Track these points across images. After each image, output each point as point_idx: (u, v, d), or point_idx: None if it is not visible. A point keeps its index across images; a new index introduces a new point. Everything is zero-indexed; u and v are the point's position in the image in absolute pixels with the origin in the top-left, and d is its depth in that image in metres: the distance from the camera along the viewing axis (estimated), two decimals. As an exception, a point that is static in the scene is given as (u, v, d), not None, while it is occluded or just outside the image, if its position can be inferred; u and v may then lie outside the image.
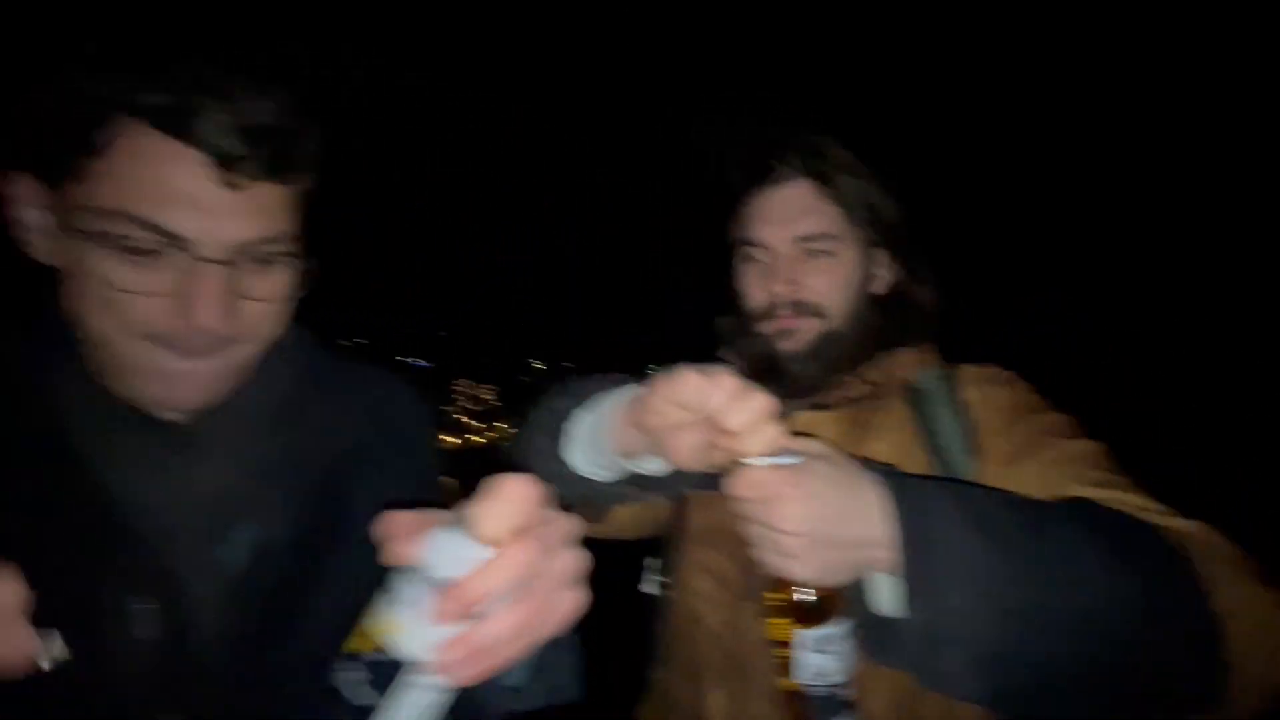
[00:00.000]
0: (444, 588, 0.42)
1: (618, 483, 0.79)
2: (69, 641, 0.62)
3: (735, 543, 1.08)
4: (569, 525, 0.49)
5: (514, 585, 0.44)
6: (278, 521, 0.74)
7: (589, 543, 0.56)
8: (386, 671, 0.43)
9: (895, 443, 1.06)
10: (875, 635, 0.70)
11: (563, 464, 0.81)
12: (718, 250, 1.27)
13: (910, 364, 1.12)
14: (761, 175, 1.14)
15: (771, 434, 0.62)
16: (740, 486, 0.66)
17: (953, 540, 0.64)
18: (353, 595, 0.71)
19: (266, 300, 0.69)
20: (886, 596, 0.69)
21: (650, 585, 1.21)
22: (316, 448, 0.79)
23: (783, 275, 1.09)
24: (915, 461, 1.04)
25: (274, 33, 0.68)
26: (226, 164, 0.62)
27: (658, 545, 1.26)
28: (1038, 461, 0.94)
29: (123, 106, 0.61)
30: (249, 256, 0.66)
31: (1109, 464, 0.92)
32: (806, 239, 1.09)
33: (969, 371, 1.11)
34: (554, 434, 0.81)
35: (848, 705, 0.74)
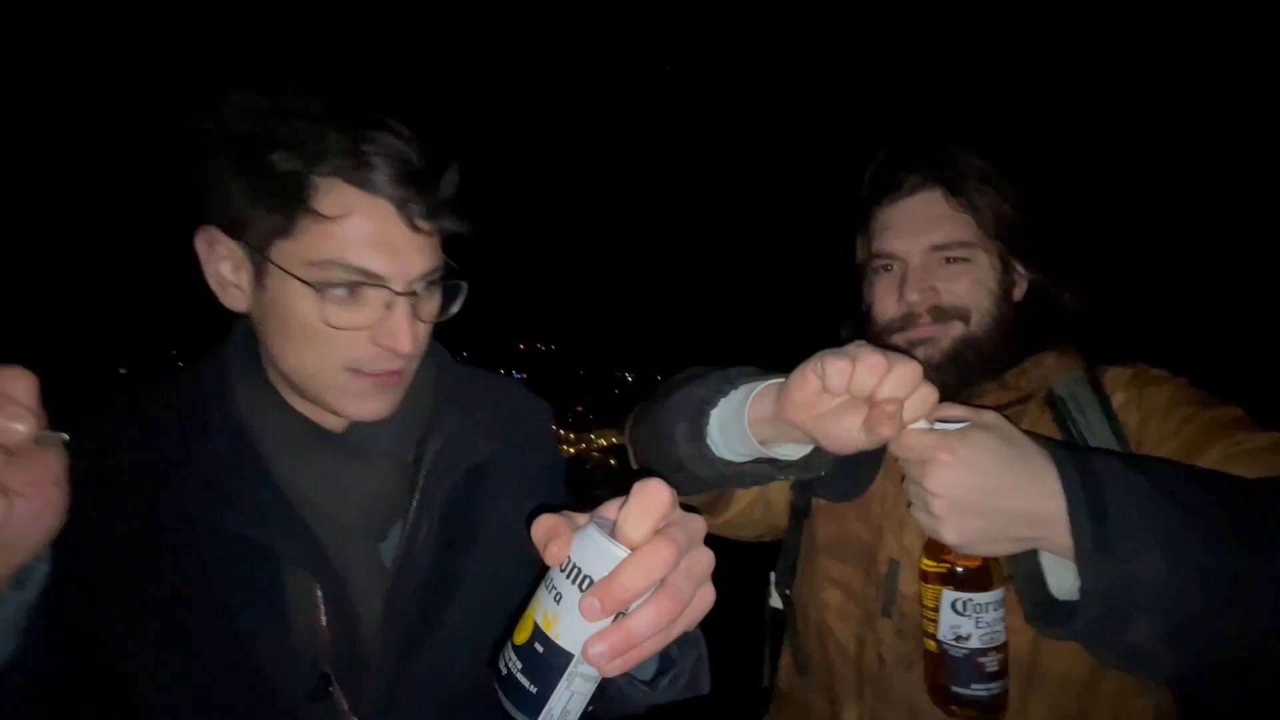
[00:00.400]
0: (594, 585, 0.46)
1: (758, 462, 0.80)
2: (253, 625, 0.73)
3: (864, 555, 1.11)
4: (699, 524, 0.51)
5: (655, 583, 0.47)
6: (423, 522, 0.83)
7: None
8: (541, 662, 0.48)
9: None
10: (1051, 612, 0.67)
11: (704, 447, 0.82)
12: (829, 267, 1.26)
13: (1052, 368, 1.08)
14: (891, 187, 1.12)
15: (927, 396, 0.62)
16: (899, 448, 0.66)
17: (1130, 506, 0.61)
18: (486, 594, 0.88)
19: (430, 321, 0.80)
20: (1062, 576, 0.67)
21: (774, 598, 1.21)
22: (455, 454, 0.87)
23: (916, 284, 1.06)
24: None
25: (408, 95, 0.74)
26: (405, 208, 0.73)
27: (776, 557, 1.26)
28: (1214, 456, 0.86)
29: (324, 170, 0.71)
30: (423, 286, 0.77)
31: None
32: (940, 248, 1.07)
33: (1114, 374, 1.06)
34: (694, 418, 0.83)
35: (990, 673, 0.75)
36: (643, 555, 0.46)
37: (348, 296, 0.73)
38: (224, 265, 0.77)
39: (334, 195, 0.71)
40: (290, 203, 0.71)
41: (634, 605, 0.47)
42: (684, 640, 0.67)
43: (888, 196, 1.13)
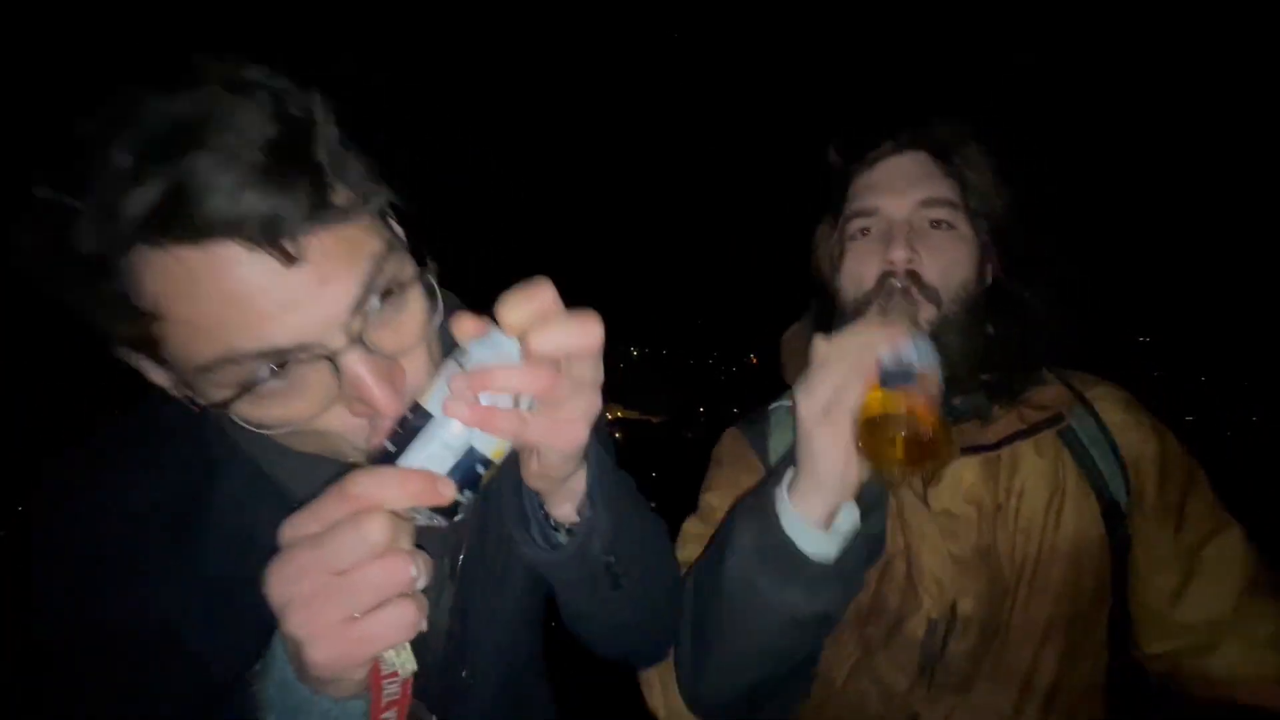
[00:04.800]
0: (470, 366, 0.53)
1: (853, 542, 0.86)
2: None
3: (890, 616, 1.07)
4: (594, 332, 0.55)
5: (515, 360, 0.54)
6: (489, 524, 0.82)
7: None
8: (405, 426, 0.54)
9: (1050, 481, 1.06)
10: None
11: (805, 565, 0.82)
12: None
13: (1055, 398, 1.09)
14: (871, 147, 1.08)
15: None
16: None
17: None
18: (530, 574, 0.86)
19: (413, 338, 0.61)
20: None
21: None
22: None
23: (903, 240, 1.00)
24: (1074, 498, 1.05)
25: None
26: (268, 238, 0.50)
27: None
28: (1186, 544, 1.06)
29: (130, 246, 0.50)
30: (368, 316, 0.56)
31: (1251, 557, 1.06)
32: (930, 203, 1.03)
33: (1102, 397, 1.12)
34: (772, 556, 0.83)
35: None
36: (521, 354, 0.54)
37: (278, 384, 0.55)
38: (158, 376, 0.61)
39: (158, 269, 0.51)
40: (117, 311, 0.52)
41: (501, 385, 0.53)
42: (612, 506, 0.71)
43: (869, 156, 1.07)
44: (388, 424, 0.55)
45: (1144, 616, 1.08)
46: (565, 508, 0.69)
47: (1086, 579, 1.05)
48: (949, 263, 1.02)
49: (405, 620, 0.49)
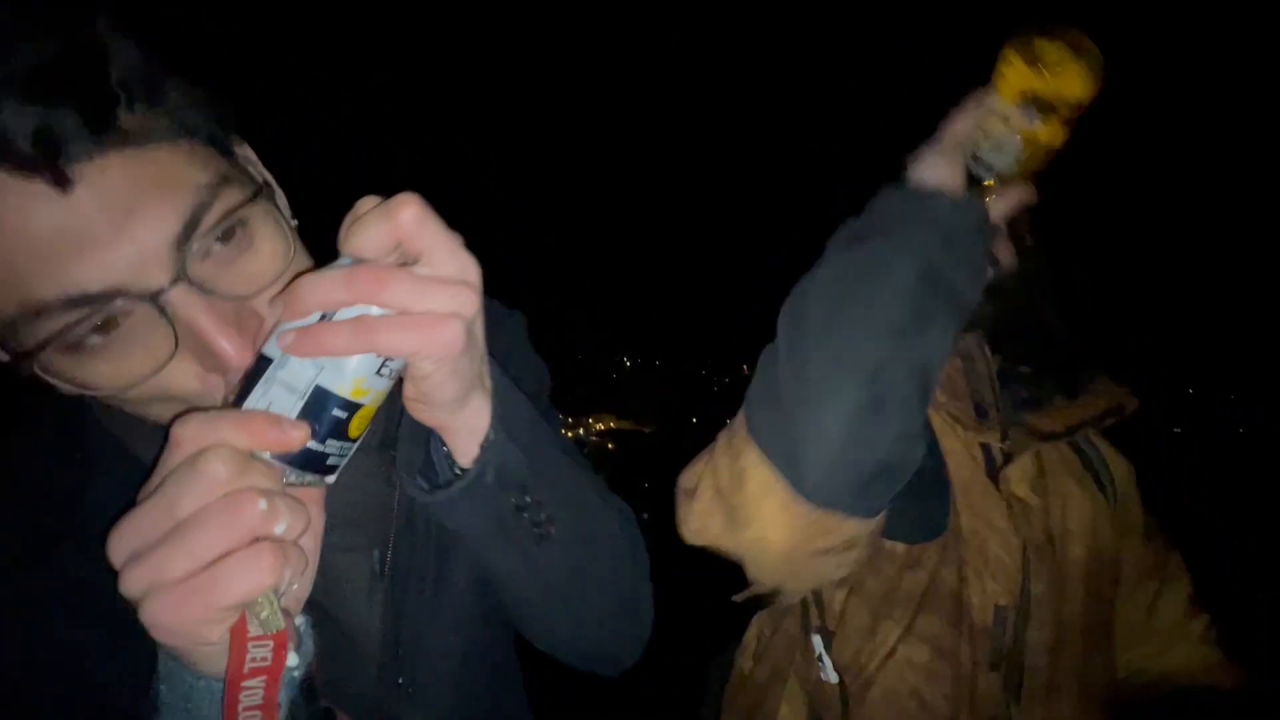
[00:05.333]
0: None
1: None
2: None
3: (952, 603, 1.03)
4: (457, 262, 0.48)
5: (347, 288, 0.44)
6: (415, 524, 0.74)
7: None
8: (247, 373, 0.46)
9: (1089, 493, 1.11)
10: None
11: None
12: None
13: (1113, 392, 1.15)
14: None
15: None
16: None
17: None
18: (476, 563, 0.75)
19: (265, 278, 0.54)
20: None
21: (828, 671, 1.03)
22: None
23: None
24: (1087, 501, 1.10)
25: None
26: (38, 158, 0.43)
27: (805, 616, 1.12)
28: (1155, 550, 1.16)
29: None
30: (202, 255, 0.50)
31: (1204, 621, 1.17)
32: None
33: (1110, 453, 1.18)
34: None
35: None
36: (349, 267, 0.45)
37: (99, 338, 0.48)
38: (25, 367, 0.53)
39: None
40: None
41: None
42: (506, 449, 0.59)
43: None
44: (238, 376, 0.48)
45: (1121, 627, 1.14)
46: (469, 447, 0.58)
47: (1110, 589, 1.11)
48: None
49: (259, 566, 0.41)
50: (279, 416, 0.44)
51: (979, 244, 0.78)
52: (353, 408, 0.47)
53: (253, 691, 0.44)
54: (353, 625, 0.67)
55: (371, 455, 0.68)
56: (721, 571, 1.06)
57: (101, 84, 0.46)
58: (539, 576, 0.68)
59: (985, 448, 1.06)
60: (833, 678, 1.02)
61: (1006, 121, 0.76)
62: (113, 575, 0.44)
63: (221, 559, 0.40)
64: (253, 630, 0.43)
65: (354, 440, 0.49)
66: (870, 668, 1.01)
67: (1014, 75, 0.75)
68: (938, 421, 1.07)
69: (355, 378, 0.46)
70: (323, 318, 0.45)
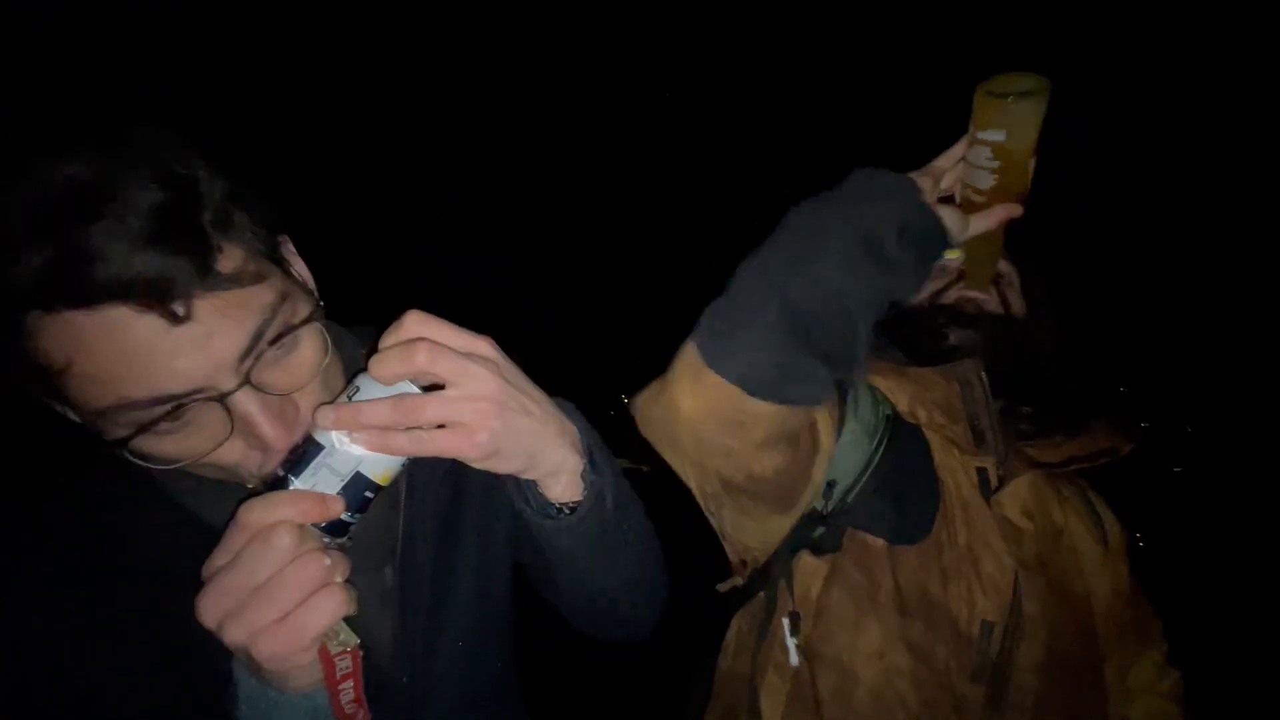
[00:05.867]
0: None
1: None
2: None
3: (936, 610, 1.04)
4: (478, 378, 0.59)
5: (384, 407, 0.58)
6: (416, 541, 0.82)
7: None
8: (298, 452, 0.59)
9: (1083, 519, 1.17)
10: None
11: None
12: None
13: (1114, 436, 1.20)
14: None
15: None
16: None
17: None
18: (480, 588, 0.90)
19: (305, 377, 0.64)
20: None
21: (793, 655, 1.07)
22: (429, 461, 0.80)
23: None
24: (1095, 546, 1.16)
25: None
26: (157, 302, 0.53)
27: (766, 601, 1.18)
28: (1125, 669, 1.20)
29: (29, 311, 0.53)
30: (259, 360, 0.60)
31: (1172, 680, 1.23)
32: None
33: (1108, 515, 1.22)
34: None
35: None
36: (384, 373, 0.58)
37: (169, 424, 0.58)
38: (71, 414, 0.63)
39: (53, 332, 0.54)
40: (16, 367, 0.56)
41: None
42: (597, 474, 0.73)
43: None
44: (280, 455, 0.61)
45: None
46: (554, 489, 0.70)
47: (1105, 631, 1.15)
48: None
49: (332, 604, 0.55)
50: (324, 495, 0.57)
51: (911, 213, 0.85)
52: (378, 489, 0.61)
53: (346, 691, 0.58)
54: (368, 637, 0.74)
55: None
56: (711, 592, 1.19)
57: (203, 230, 0.57)
58: (618, 571, 0.82)
59: (981, 471, 1.10)
60: (794, 661, 1.06)
61: (982, 147, 0.91)
62: (163, 607, 0.61)
63: (302, 604, 0.53)
64: (334, 649, 0.57)
65: (369, 511, 0.62)
66: (856, 666, 1.03)
67: (980, 111, 0.90)
68: (937, 441, 1.11)
69: (388, 468, 0.60)
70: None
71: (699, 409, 0.87)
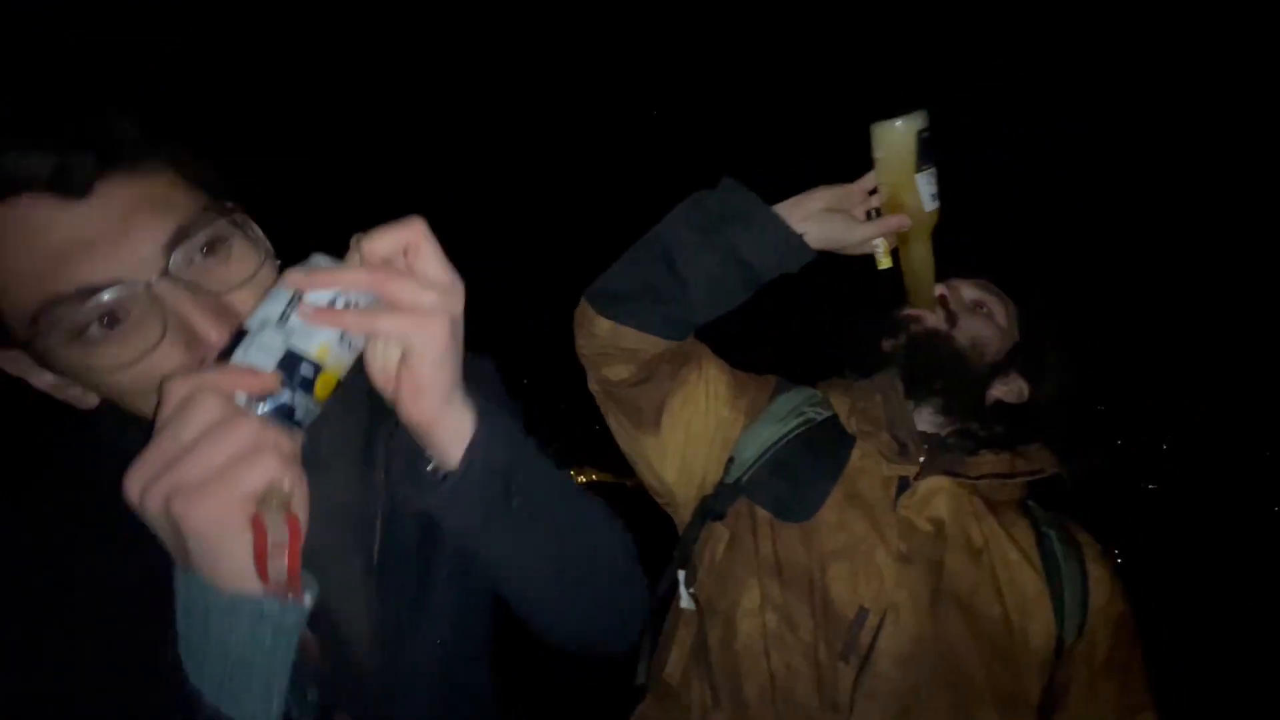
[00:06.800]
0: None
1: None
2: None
3: (808, 587, 1.14)
4: (410, 231, 0.57)
5: (367, 276, 0.56)
6: (398, 527, 0.79)
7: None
8: (230, 345, 0.55)
9: (1024, 549, 1.16)
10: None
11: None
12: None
13: (1046, 459, 1.22)
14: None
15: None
16: None
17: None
18: (457, 566, 0.84)
19: (240, 277, 0.65)
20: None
21: (685, 599, 1.24)
22: (409, 438, 0.74)
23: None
24: (1035, 603, 1.13)
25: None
26: (63, 183, 0.57)
27: (675, 552, 1.31)
28: (1127, 704, 1.15)
29: None
30: (188, 260, 0.61)
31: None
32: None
33: (1089, 543, 1.21)
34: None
35: None
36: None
37: (105, 328, 0.59)
38: (45, 377, 0.65)
39: None
40: None
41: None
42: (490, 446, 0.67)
43: None
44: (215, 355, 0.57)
45: None
46: (455, 449, 0.65)
47: (1013, 681, 1.12)
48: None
49: (265, 461, 0.49)
50: (255, 367, 0.53)
51: (749, 211, 1.10)
52: (318, 368, 0.55)
53: (278, 566, 0.51)
54: (346, 622, 0.72)
55: (353, 468, 0.77)
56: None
57: (103, 121, 0.60)
58: (530, 560, 0.75)
59: (903, 479, 1.19)
60: (685, 604, 1.22)
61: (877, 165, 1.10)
62: (136, 574, 0.56)
63: (233, 461, 0.48)
64: (268, 517, 0.50)
65: (319, 402, 0.57)
66: (736, 620, 1.15)
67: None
68: (867, 448, 1.23)
69: (321, 342, 0.55)
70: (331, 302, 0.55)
71: (579, 319, 1.21)
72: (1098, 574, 1.18)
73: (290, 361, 0.54)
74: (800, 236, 1.08)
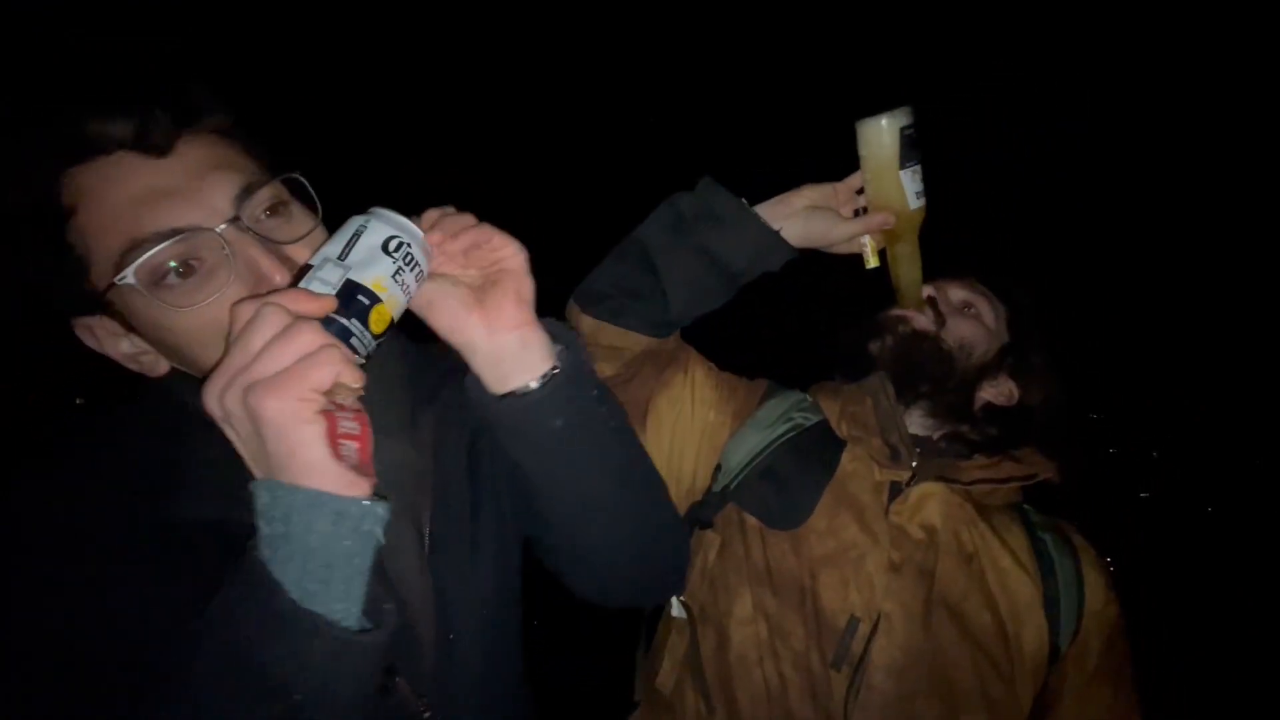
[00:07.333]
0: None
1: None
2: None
3: (798, 595, 1.12)
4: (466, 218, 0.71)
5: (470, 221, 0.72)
6: (449, 493, 0.84)
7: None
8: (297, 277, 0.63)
9: (1017, 554, 1.14)
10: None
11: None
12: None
13: (1038, 463, 1.20)
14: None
15: None
16: None
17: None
18: (499, 545, 0.89)
19: (300, 232, 0.72)
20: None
21: (675, 606, 1.23)
22: (452, 419, 0.87)
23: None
24: (1026, 588, 1.12)
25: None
26: (144, 143, 0.64)
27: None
28: (1118, 711, 1.15)
29: (49, 173, 0.64)
30: (254, 215, 0.69)
31: None
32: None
33: (1085, 548, 1.19)
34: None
35: None
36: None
37: (180, 276, 0.65)
38: (121, 344, 0.72)
39: (70, 187, 0.65)
40: (46, 235, 0.65)
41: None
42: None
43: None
44: None
45: None
46: (540, 363, 0.73)
47: (1005, 688, 1.11)
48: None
49: (333, 358, 0.53)
50: (314, 291, 0.58)
51: (722, 210, 1.11)
52: (374, 298, 0.61)
53: (349, 450, 0.56)
54: (403, 592, 0.76)
55: (400, 445, 0.81)
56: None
57: (184, 98, 0.67)
58: (602, 480, 0.79)
59: (895, 484, 1.17)
60: (679, 613, 1.21)
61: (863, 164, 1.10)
62: (216, 520, 0.64)
63: (301, 359, 0.53)
64: (337, 410, 0.55)
65: (375, 336, 0.61)
66: (729, 629, 1.14)
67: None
68: (858, 453, 1.20)
69: (376, 276, 0.61)
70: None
71: (566, 319, 1.20)
72: (1093, 578, 1.17)
73: (348, 290, 0.60)
74: (777, 234, 1.08)
